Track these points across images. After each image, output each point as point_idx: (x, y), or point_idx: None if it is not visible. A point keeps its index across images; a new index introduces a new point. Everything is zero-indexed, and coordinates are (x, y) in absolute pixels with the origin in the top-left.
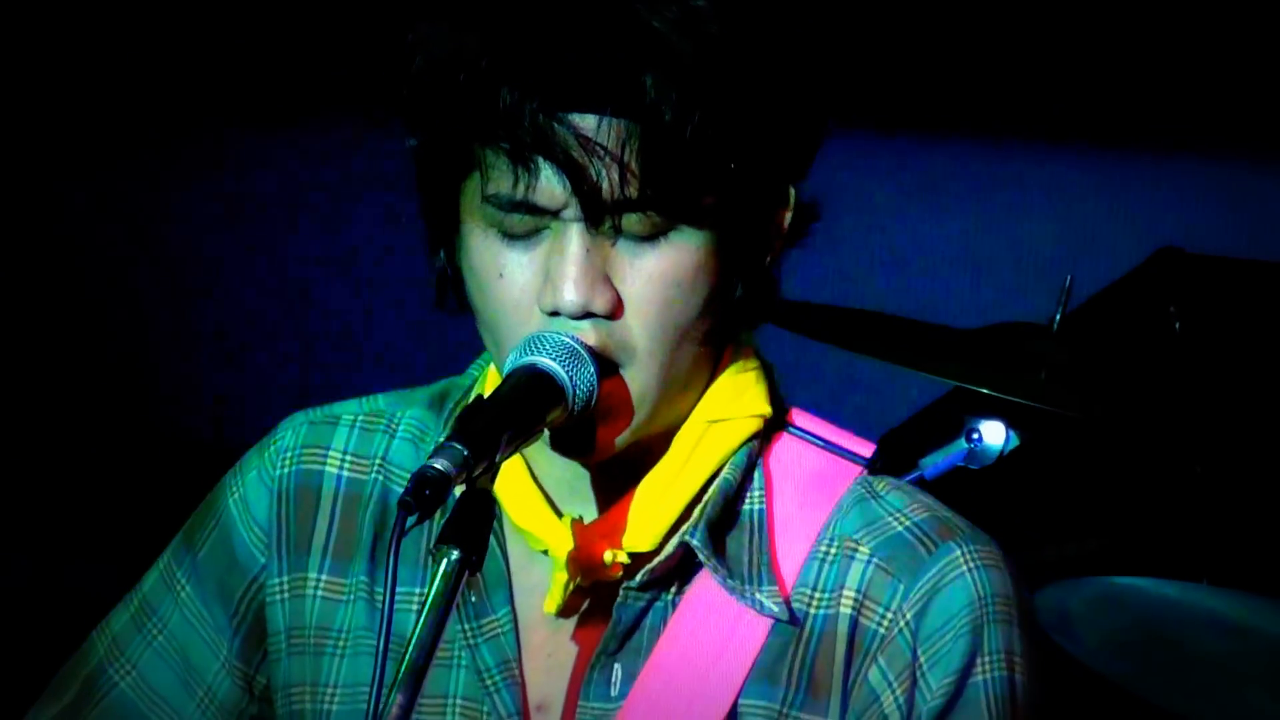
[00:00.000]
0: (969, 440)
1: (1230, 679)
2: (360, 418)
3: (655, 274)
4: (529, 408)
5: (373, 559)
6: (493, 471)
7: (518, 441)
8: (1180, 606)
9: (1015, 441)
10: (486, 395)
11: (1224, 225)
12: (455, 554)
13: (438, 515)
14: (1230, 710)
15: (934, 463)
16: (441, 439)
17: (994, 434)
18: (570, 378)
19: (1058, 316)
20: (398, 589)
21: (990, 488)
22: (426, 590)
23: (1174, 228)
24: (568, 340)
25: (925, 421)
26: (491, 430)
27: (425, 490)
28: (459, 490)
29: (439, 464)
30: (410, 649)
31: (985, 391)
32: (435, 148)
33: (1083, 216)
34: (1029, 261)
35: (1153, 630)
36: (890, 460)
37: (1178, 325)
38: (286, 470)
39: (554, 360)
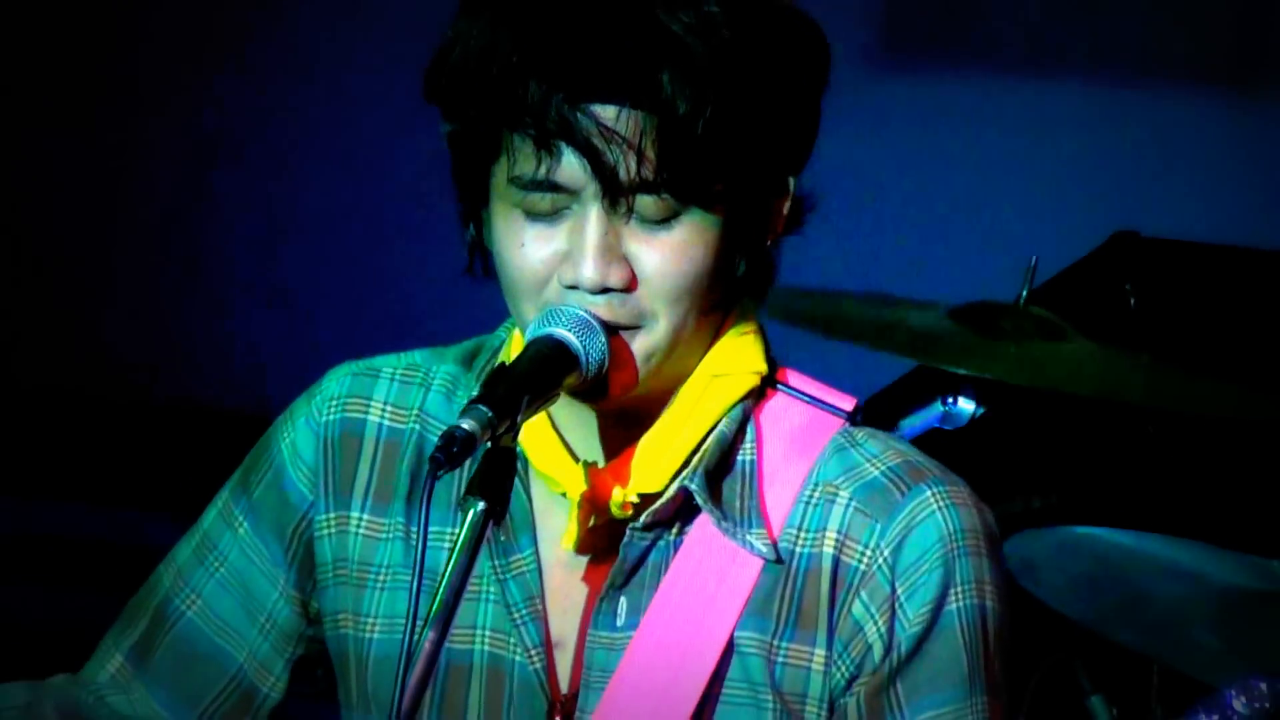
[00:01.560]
0: (944, 404)
1: (1179, 619)
2: (399, 371)
3: (667, 253)
4: (546, 374)
5: (409, 502)
6: (514, 430)
7: (536, 404)
8: (1134, 553)
9: (980, 411)
10: (510, 361)
11: (1179, 209)
12: (480, 505)
13: (468, 462)
14: (1179, 647)
15: (912, 424)
16: (469, 400)
17: (966, 402)
18: (584, 347)
19: (1024, 294)
20: (430, 528)
21: (963, 447)
22: (456, 533)
23: (1131, 211)
24: (582, 314)
25: (905, 386)
26: (513, 394)
27: (453, 448)
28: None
29: (466, 424)
30: (441, 590)
31: (959, 371)
32: (468, 133)
33: (1045, 200)
34: (998, 243)
35: (1109, 574)
36: (872, 422)
37: (1133, 302)
38: (332, 418)
39: (570, 331)
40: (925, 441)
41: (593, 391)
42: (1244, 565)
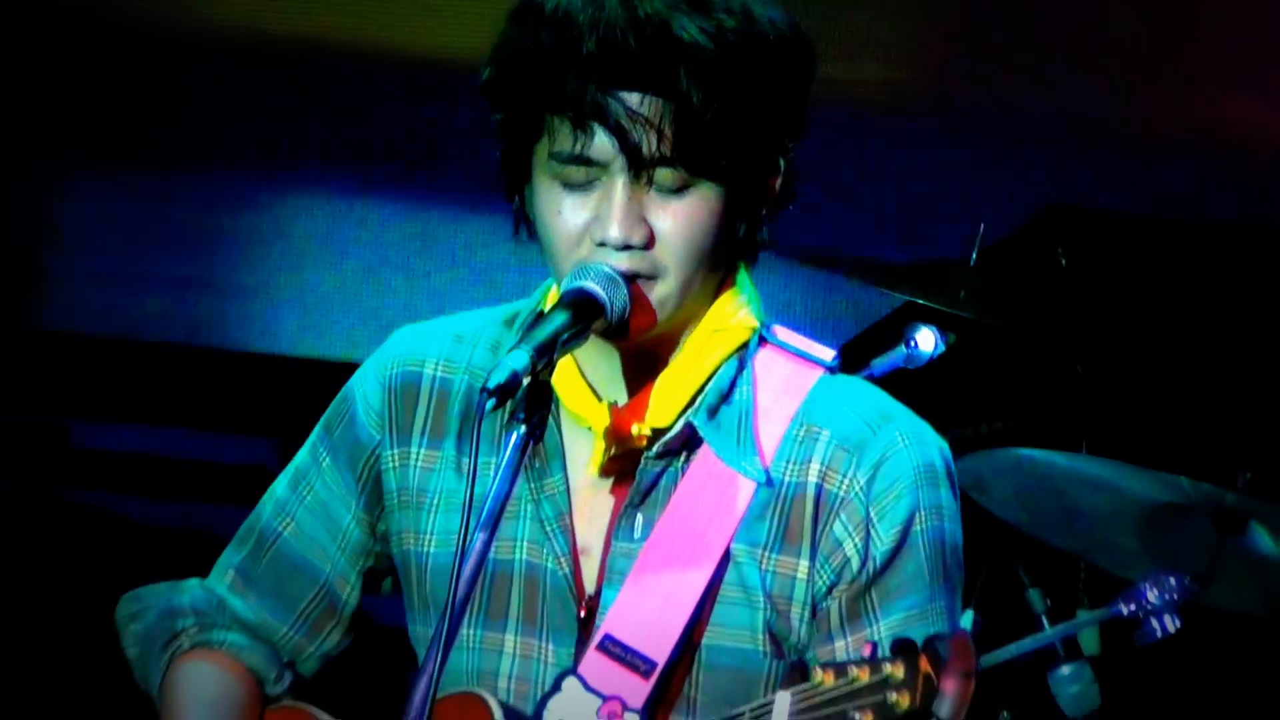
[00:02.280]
0: (907, 346)
1: (1103, 525)
2: (450, 332)
3: (680, 216)
4: (578, 319)
5: (459, 438)
6: (551, 367)
7: (569, 344)
8: (1066, 471)
9: (943, 348)
10: (547, 310)
11: (1108, 183)
12: (522, 429)
13: (508, 405)
14: (1102, 549)
15: (881, 364)
16: (514, 344)
17: (926, 342)
18: (609, 298)
19: (974, 254)
20: (478, 459)
21: (924, 383)
22: (500, 458)
23: (1065, 185)
24: (608, 269)
25: (875, 333)
26: (550, 336)
27: (501, 382)
28: (526, 382)
29: (511, 363)
30: (490, 499)
31: (925, 303)
32: (516, 118)
33: (994, 176)
34: (954, 211)
35: (1045, 489)
36: (848, 361)
37: (1064, 262)
38: (395, 371)
39: (597, 284)
40: (892, 378)
41: (616, 333)
42: (1157, 481)
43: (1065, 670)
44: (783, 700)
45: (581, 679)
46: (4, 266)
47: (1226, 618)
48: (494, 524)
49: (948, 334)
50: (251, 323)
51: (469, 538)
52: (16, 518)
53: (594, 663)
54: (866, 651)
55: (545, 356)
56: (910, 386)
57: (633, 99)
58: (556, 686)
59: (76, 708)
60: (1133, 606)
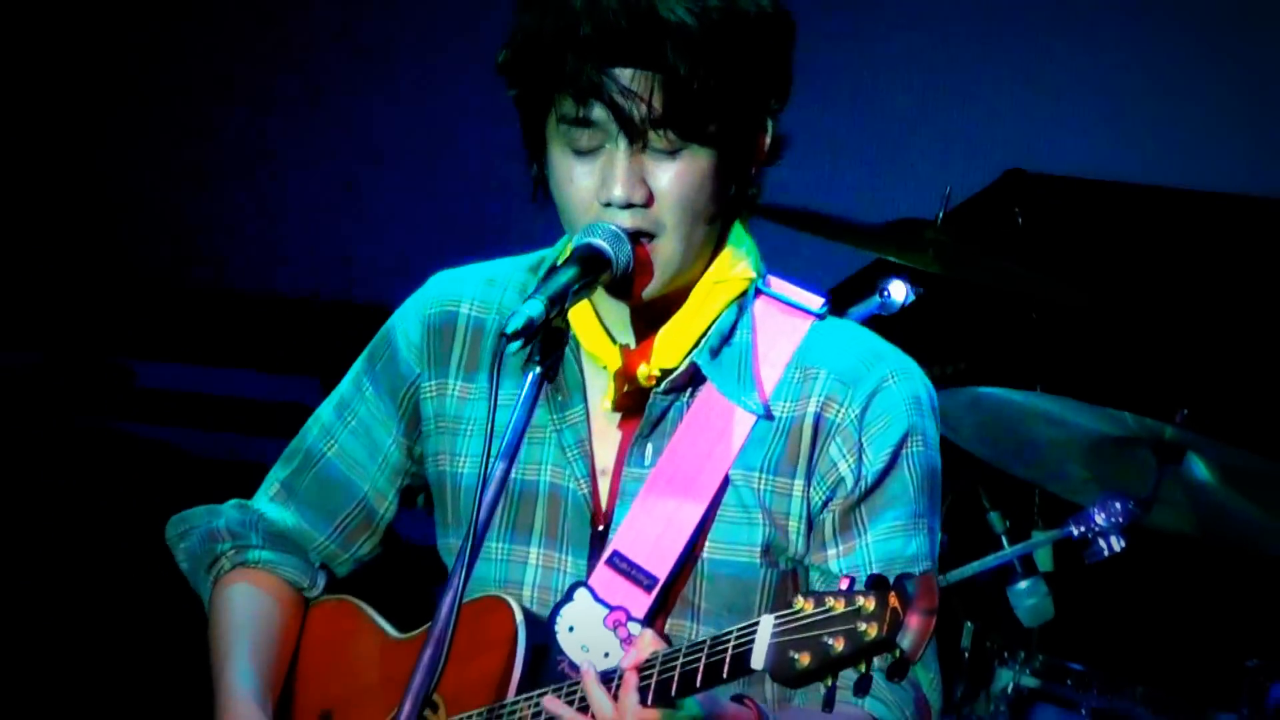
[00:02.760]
0: (881, 296)
1: (1056, 456)
2: (484, 278)
3: (675, 176)
4: (586, 272)
5: (490, 371)
6: (563, 314)
7: (580, 294)
8: (1022, 407)
9: (913, 297)
10: (560, 263)
11: (1064, 149)
12: (538, 369)
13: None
14: (1054, 476)
15: (858, 311)
16: (530, 292)
17: (898, 292)
18: (614, 252)
19: (940, 214)
20: (503, 392)
21: (896, 328)
22: (520, 393)
23: (1020, 150)
24: (613, 228)
25: (852, 284)
26: (562, 288)
27: (518, 328)
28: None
29: (527, 310)
30: (509, 431)
31: (895, 260)
32: (527, 95)
33: (960, 142)
34: (922, 174)
35: (1004, 423)
36: (830, 309)
37: (1020, 220)
38: (434, 311)
39: (604, 241)
40: (867, 324)
41: (622, 290)
42: (1104, 416)
43: (1022, 585)
44: (766, 623)
45: (591, 590)
46: (77, 225)
47: (1165, 538)
48: (513, 453)
49: (917, 286)
50: (294, 271)
51: (490, 466)
52: (88, 449)
53: (602, 576)
54: (844, 585)
55: (558, 305)
56: (883, 332)
57: (625, 75)
58: (569, 596)
59: (141, 618)
60: (1082, 528)
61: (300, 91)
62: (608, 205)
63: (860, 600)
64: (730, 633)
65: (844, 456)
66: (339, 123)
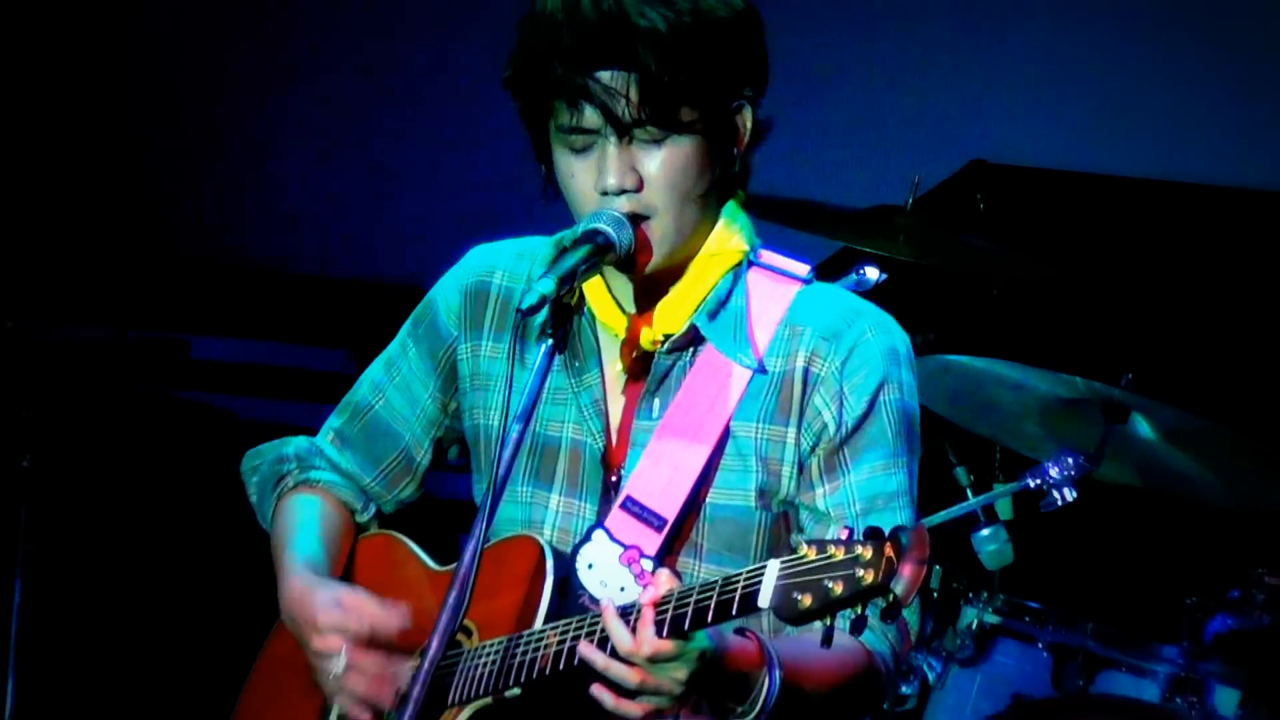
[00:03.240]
0: (856, 274)
1: (1013, 416)
2: (515, 251)
3: (661, 163)
4: (592, 254)
5: (509, 344)
6: (572, 291)
7: (588, 273)
8: (984, 372)
9: (883, 278)
10: (569, 246)
11: (1023, 141)
12: (549, 341)
13: (540, 318)
14: (1013, 434)
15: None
16: (542, 273)
17: (871, 272)
18: (616, 235)
19: (909, 201)
20: (525, 356)
21: (872, 302)
22: (534, 361)
23: (981, 142)
24: (615, 214)
25: (829, 264)
26: (571, 268)
27: (532, 304)
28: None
29: (540, 288)
30: (524, 396)
31: (869, 250)
32: (529, 106)
33: (927, 136)
34: (893, 164)
35: (968, 387)
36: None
37: (981, 206)
38: (471, 281)
39: (608, 226)
40: None
41: (626, 266)
42: (1057, 380)
43: (985, 532)
44: (773, 566)
45: (607, 531)
46: (139, 217)
47: (1112, 490)
48: (528, 415)
49: (884, 271)
50: (331, 252)
51: (507, 428)
52: (146, 415)
53: (617, 519)
54: (843, 535)
55: (567, 284)
56: None
57: (606, 75)
58: (587, 537)
59: (201, 569)
60: (1038, 481)
61: (357, 85)
62: (605, 194)
63: (858, 549)
64: (739, 574)
65: (827, 404)
66: (386, 120)
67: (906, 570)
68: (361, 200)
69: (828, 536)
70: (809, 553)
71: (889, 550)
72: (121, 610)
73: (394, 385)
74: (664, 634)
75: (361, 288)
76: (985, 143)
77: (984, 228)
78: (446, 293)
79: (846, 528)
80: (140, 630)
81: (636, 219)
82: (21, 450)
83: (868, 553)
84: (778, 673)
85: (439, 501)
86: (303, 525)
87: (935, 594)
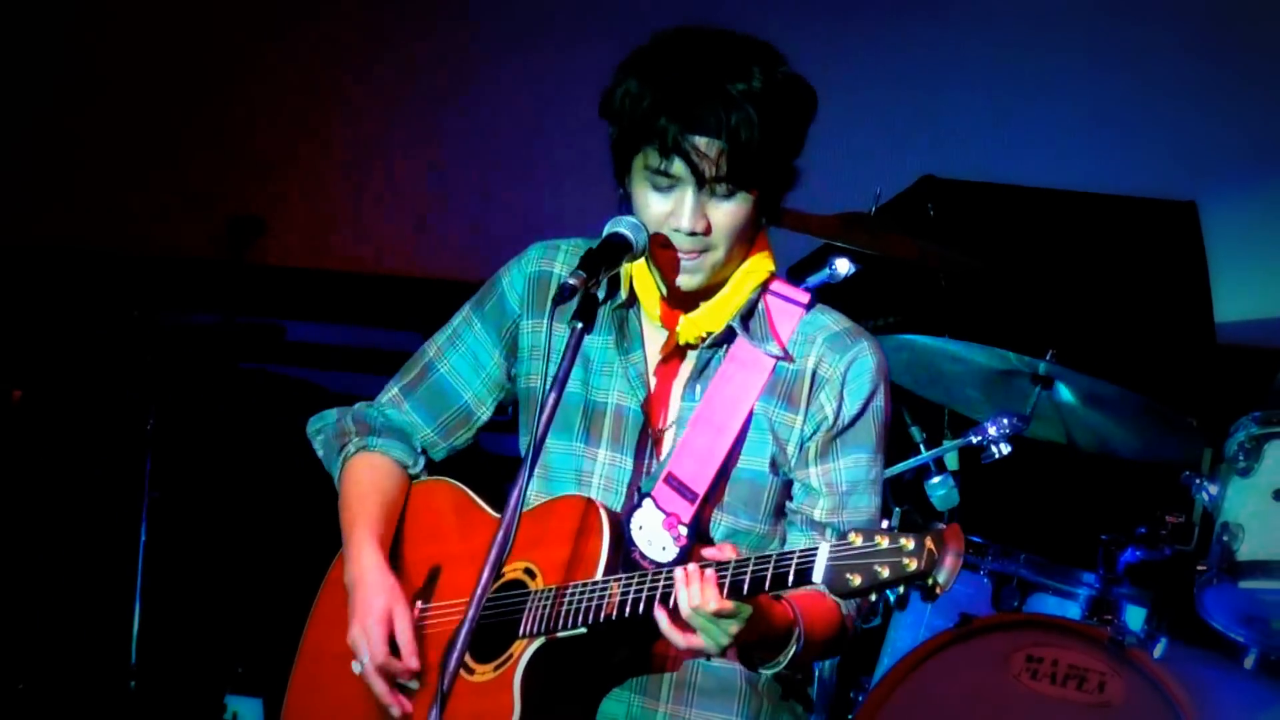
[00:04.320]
0: (829, 268)
1: (958, 384)
2: (572, 247)
3: (727, 214)
4: (613, 252)
5: (544, 330)
6: (598, 283)
7: (610, 269)
8: (935, 348)
9: (854, 270)
10: (597, 246)
11: (971, 157)
12: (579, 325)
13: (572, 305)
14: (959, 399)
15: (812, 280)
16: (574, 267)
17: (842, 266)
18: (634, 238)
19: (873, 210)
20: (559, 338)
21: (841, 292)
22: (567, 342)
23: (931, 159)
24: (634, 219)
25: (807, 261)
26: (595, 264)
27: (564, 292)
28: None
29: (571, 280)
30: (560, 370)
31: (840, 244)
32: (623, 138)
33: (886, 154)
34: (858, 178)
35: (922, 361)
36: (789, 277)
37: (931, 213)
38: (534, 269)
39: (626, 230)
40: (821, 290)
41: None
42: (994, 354)
43: (935, 479)
44: (824, 549)
45: (654, 500)
46: (238, 219)
47: (1041, 445)
48: (561, 385)
49: (857, 263)
50: (407, 251)
51: (545, 398)
52: (249, 388)
53: (661, 490)
54: (884, 525)
55: (594, 277)
56: (833, 297)
57: (701, 141)
58: (639, 504)
59: (291, 515)
60: (979, 437)
61: (437, 101)
62: (676, 231)
63: (902, 540)
64: (793, 552)
65: (830, 400)
66: (467, 131)
67: (948, 561)
68: (426, 208)
69: (818, 516)
70: (856, 539)
71: (930, 544)
72: (229, 550)
73: (458, 353)
74: (725, 594)
75: (425, 283)
76: (934, 160)
77: (933, 230)
78: (512, 278)
79: (888, 520)
80: (245, 565)
81: (698, 251)
82: (147, 415)
83: (910, 543)
84: (803, 638)
85: (489, 456)
86: (365, 493)
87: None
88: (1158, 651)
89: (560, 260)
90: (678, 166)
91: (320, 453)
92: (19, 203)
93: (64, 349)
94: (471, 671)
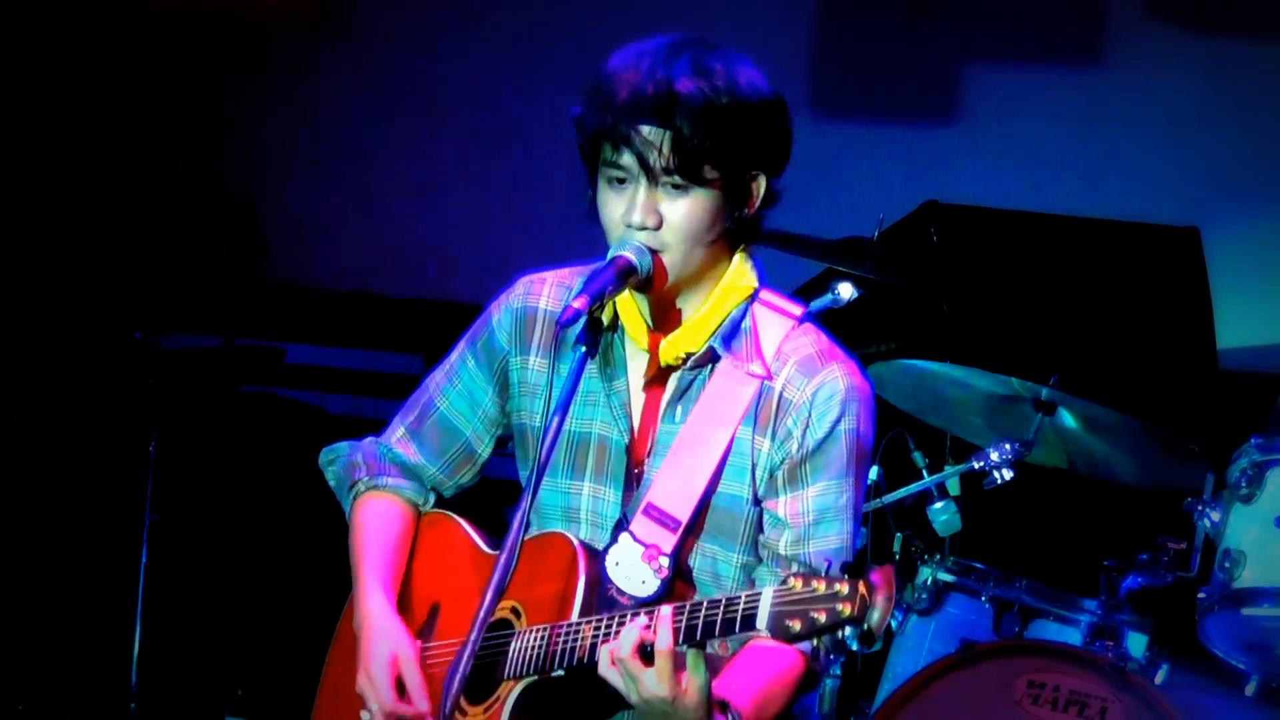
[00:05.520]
0: (832, 294)
1: (961, 409)
2: (558, 282)
3: (680, 210)
4: (618, 277)
5: (558, 352)
6: (601, 308)
7: (614, 292)
8: (937, 374)
9: (856, 295)
10: (599, 269)
11: (975, 184)
12: (582, 349)
13: (576, 332)
14: (961, 425)
15: (816, 305)
16: (578, 292)
17: (845, 291)
18: (639, 261)
19: (876, 235)
20: (562, 363)
21: (843, 317)
22: (570, 367)
23: (935, 186)
24: (639, 244)
25: (811, 285)
26: (600, 287)
27: (568, 318)
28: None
29: (574, 303)
30: (562, 394)
31: (843, 270)
32: (586, 143)
33: (890, 181)
34: (862, 204)
35: (924, 385)
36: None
37: (935, 238)
38: (520, 305)
39: (632, 254)
40: (824, 314)
41: (644, 287)
42: (996, 380)
43: (938, 505)
44: (767, 594)
45: (632, 534)
46: (236, 241)
47: (1043, 471)
48: (564, 409)
49: (860, 287)
50: (404, 273)
51: (548, 421)
52: (249, 410)
53: (640, 523)
54: (823, 569)
55: (598, 301)
56: (834, 322)
57: (645, 129)
58: (615, 539)
59: (295, 537)
60: (981, 463)
61: (438, 117)
62: (629, 226)
63: (837, 585)
64: (739, 596)
65: (797, 425)
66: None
67: (878, 603)
68: (427, 231)
69: (783, 549)
70: (795, 584)
71: (862, 589)
72: (230, 572)
73: (456, 391)
74: (680, 641)
75: (426, 305)
76: (937, 186)
77: (936, 256)
78: (500, 315)
79: (828, 561)
80: (246, 587)
81: (653, 250)
82: (147, 437)
83: (844, 588)
84: None
85: (490, 481)
86: (372, 541)
87: (896, 556)
88: (1159, 678)
89: (546, 294)
90: (627, 158)
91: (332, 484)
92: (21, 224)
93: (65, 371)
94: (465, 713)
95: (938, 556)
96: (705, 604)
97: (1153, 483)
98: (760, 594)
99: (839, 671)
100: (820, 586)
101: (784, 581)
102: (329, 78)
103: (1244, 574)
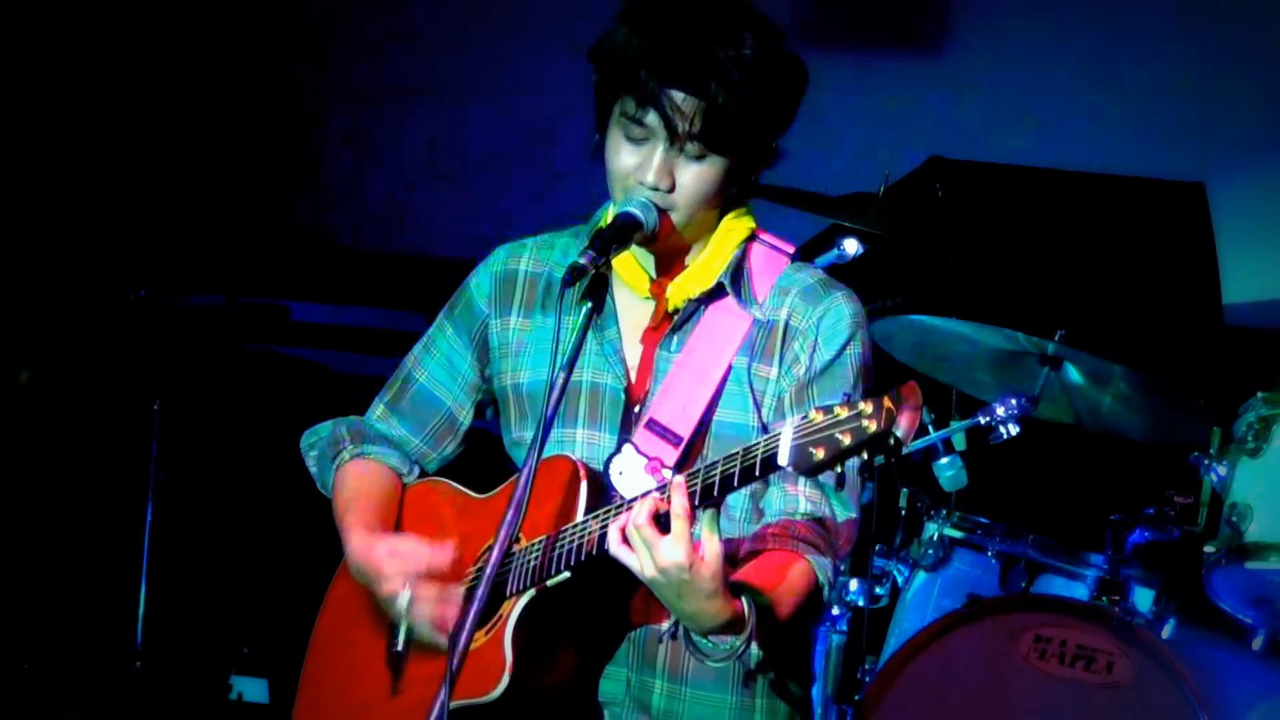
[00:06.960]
0: (837, 248)
1: (967, 365)
2: (539, 244)
3: (694, 175)
4: (624, 231)
5: (543, 310)
6: (608, 264)
7: (619, 249)
8: (943, 329)
9: (862, 251)
10: (605, 225)
11: (972, 141)
12: (588, 305)
13: (579, 287)
14: (967, 381)
15: (821, 261)
16: (584, 246)
17: (851, 247)
18: (645, 218)
19: (881, 190)
20: (561, 326)
21: (850, 272)
22: (574, 321)
23: (940, 141)
24: (646, 200)
25: (817, 241)
26: (607, 242)
27: (574, 272)
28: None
29: (581, 259)
30: (570, 348)
31: (848, 224)
32: (604, 85)
33: (896, 135)
34: (868, 159)
35: (930, 341)
36: (804, 257)
37: (940, 194)
38: (499, 269)
39: (638, 210)
40: (829, 270)
41: (648, 242)
42: (1002, 335)
43: (944, 460)
44: (787, 429)
45: (635, 445)
46: (247, 200)
47: (1049, 425)
48: (570, 364)
49: (865, 243)
50: (412, 229)
51: (555, 375)
52: (254, 368)
53: (642, 436)
54: (843, 398)
55: (603, 256)
56: (841, 275)
57: (678, 96)
58: (618, 449)
59: (297, 496)
60: (987, 418)
61: (441, 90)
62: (641, 183)
63: (861, 405)
64: (757, 443)
65: (804, 350)
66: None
67: (905, 417)
68: (430, 189)
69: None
70: (816, 416)
71: (888, 403)
72: (235, 531)
73: (435, 361)
74: (697, 502)
75: (433, 262)
76: (942, 141)
77: (942, 211)
78: (479, 280)
79: (845, 393)
80: (251, 546)
81: (660, 209)
82: (152, 396)
83: (869, 407)
84: (752, 641)
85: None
86: (360, 491)
87: (903, 512)
88: (1166, 632)
89: (526, 256)
90: (652, 118)
91: (314, 469)
92: (22, 185)
93: (68, 331)
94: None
95: (944, 512)
96: (721, 459)
97: (1159, 437)
98: (779, 432)
99: (845, 627)
100: (842, 412)
101: (804, 415)
102: (335, 32)
103: (1250, 528)
